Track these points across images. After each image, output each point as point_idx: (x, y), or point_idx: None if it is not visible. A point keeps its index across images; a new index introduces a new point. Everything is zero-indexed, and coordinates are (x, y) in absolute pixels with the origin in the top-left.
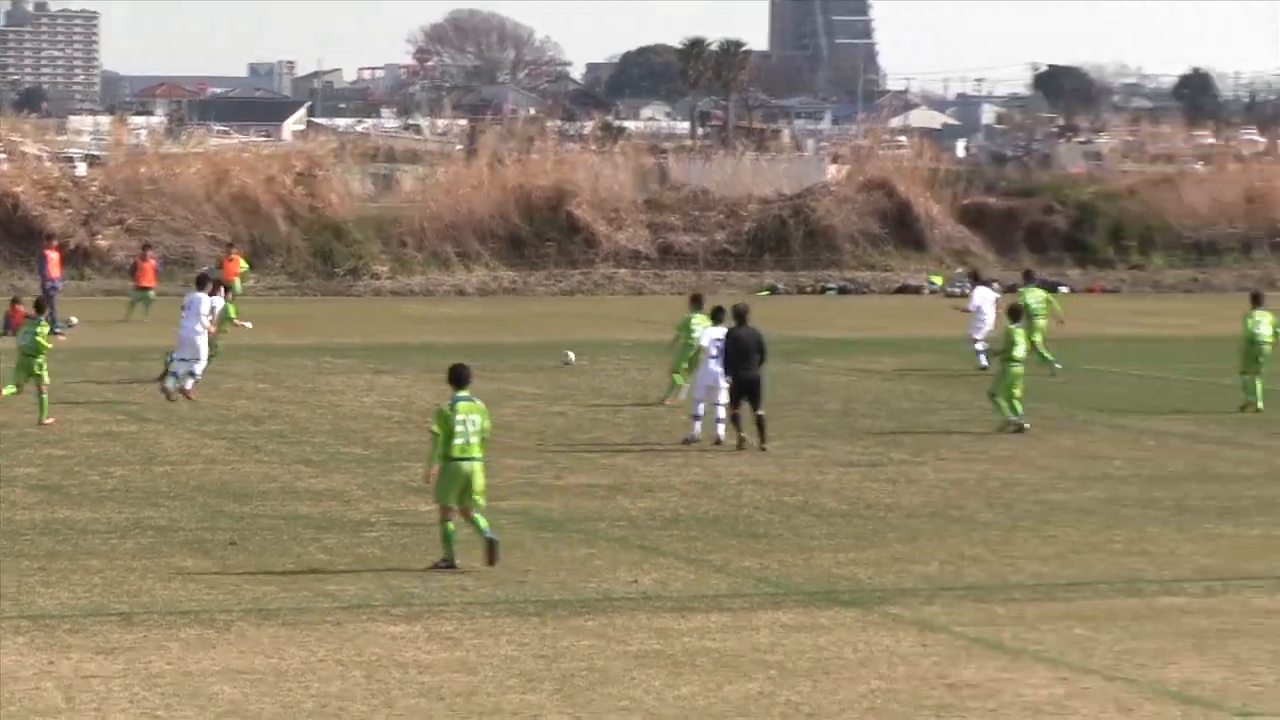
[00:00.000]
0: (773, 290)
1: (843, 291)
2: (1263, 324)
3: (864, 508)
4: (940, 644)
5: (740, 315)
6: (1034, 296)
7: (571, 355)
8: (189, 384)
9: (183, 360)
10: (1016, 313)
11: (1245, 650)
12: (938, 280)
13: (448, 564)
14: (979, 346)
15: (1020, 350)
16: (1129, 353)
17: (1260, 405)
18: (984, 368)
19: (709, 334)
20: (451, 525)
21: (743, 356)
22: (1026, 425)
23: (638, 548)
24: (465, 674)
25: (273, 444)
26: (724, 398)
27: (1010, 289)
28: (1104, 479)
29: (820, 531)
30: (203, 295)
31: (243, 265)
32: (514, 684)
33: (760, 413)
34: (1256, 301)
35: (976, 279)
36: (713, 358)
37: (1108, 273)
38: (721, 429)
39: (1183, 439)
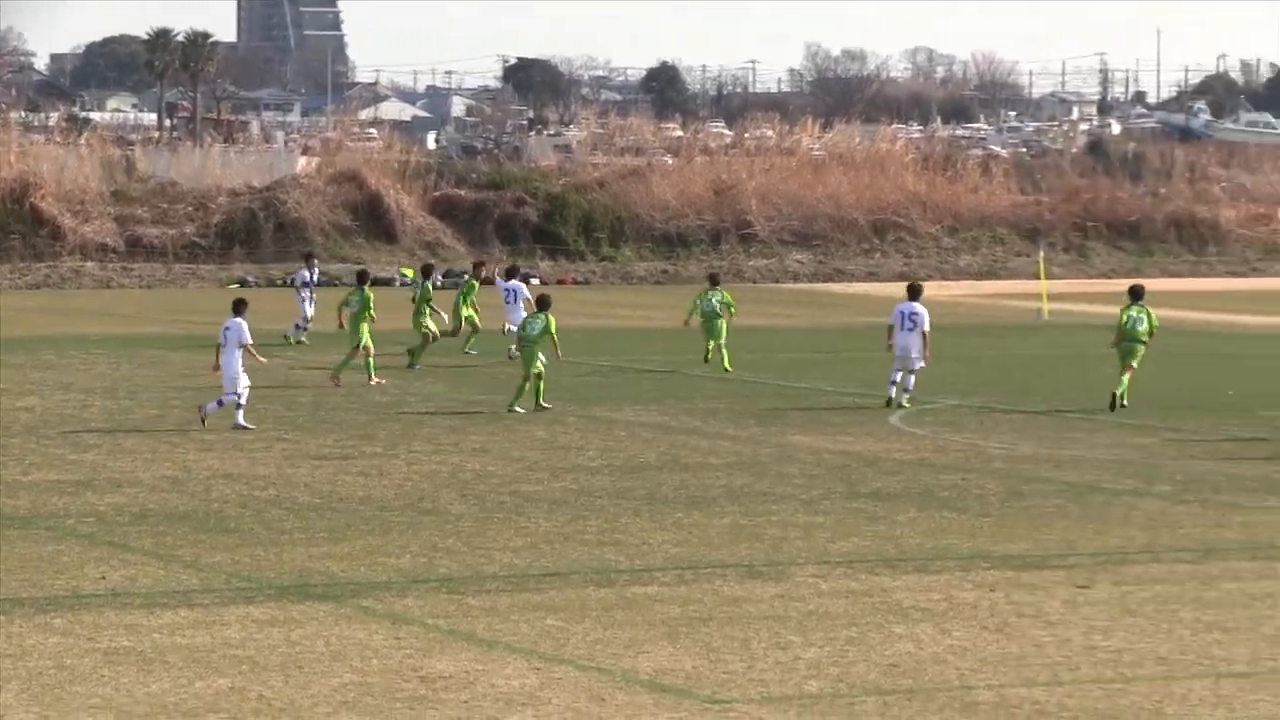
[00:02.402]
0: (243, 283)
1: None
2: (714, 299)
3: (337, 501)
4: (414, 636)
5: None
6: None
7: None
8: None
9: None
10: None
11: (716, 638)
12: (409, 273)
13: None
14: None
15: None
16: (600, 344)
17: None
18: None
19: (224, 326)
20: None
21: None
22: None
23: (106, 544)
24: None
25: None
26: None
27: (487, 282)
28: (576, 470)
29: (293, 525)
30: None
31: None
32: None
33: None
34: (714, 281)
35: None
36: (224, 346)
37: (579, 264)
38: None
39: (653, 429)
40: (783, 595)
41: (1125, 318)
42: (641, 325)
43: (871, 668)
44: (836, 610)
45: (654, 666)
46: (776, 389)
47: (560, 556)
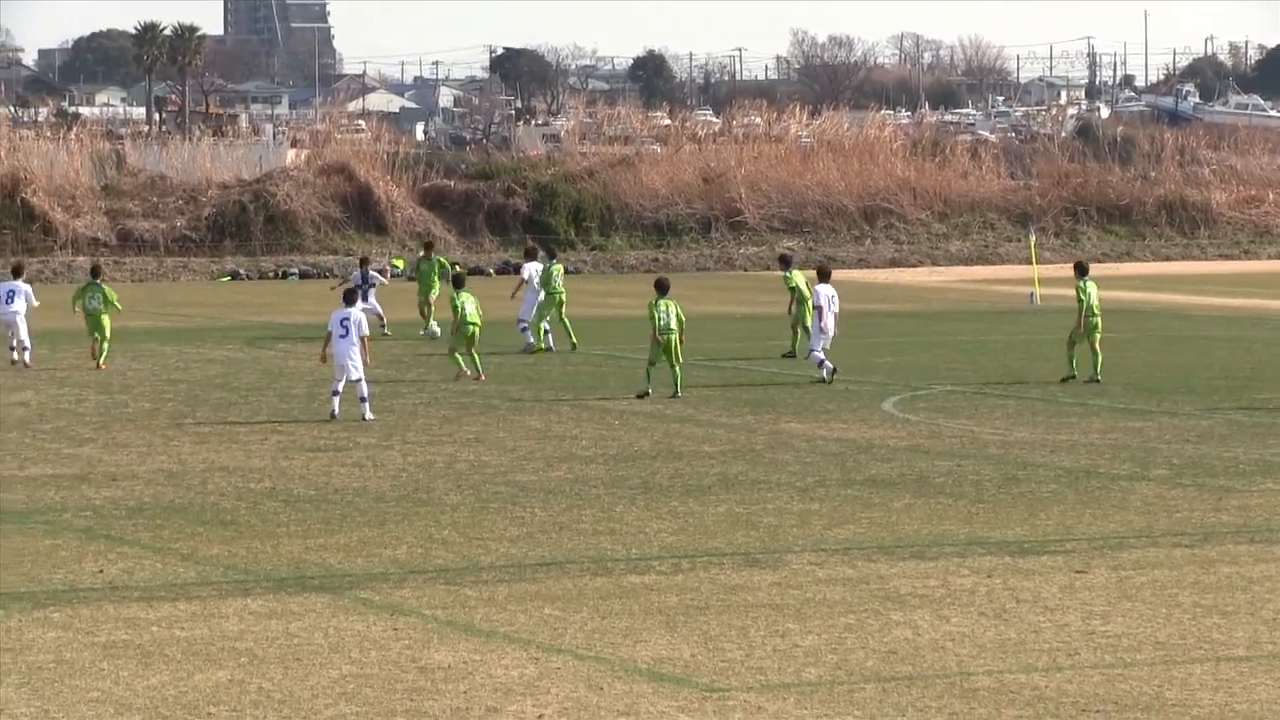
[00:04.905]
0: (234, 276)
1: (304, 276)
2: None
3: (332, 493)
4: (411, 627)
5: None
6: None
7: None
8: None
9: None
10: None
11: (713, 626)
12: (399, 264)
13: None
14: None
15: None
16: (592, 333)
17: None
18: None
19: (338, 315)
20: None
21: None
22: None
23: (103, 538)
24: None
25: None
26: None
27: (477, 271)
28: (571, 459)
29: (288, 517)
30: None
31: None
32: None
33: None
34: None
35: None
36: (341, 337)
37: (569, 254)
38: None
39: (647, 418)
40: (780, 583)
41: (1085, 293)
42: (632, 314)
43: (870, 654)
44: (834, 598)
45: (652, 655)
46: (769, 376)
47: (557, 546)
